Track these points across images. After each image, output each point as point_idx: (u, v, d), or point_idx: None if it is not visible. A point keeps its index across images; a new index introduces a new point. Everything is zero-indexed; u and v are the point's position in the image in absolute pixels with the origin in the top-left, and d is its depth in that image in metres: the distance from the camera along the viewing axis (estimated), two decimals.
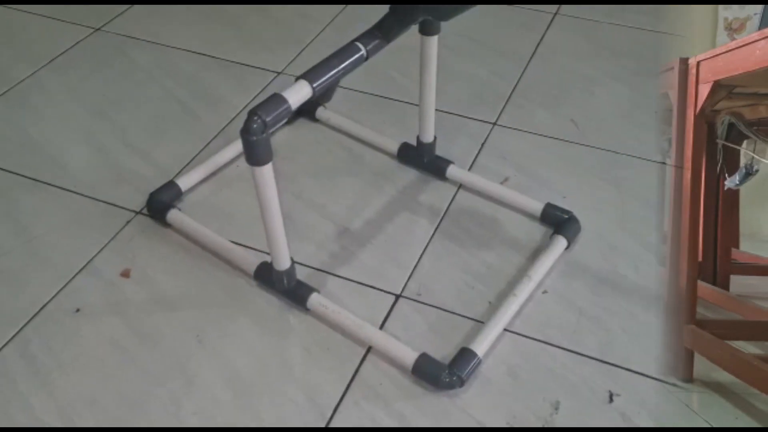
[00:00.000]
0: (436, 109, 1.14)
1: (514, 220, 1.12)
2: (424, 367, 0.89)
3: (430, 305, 1.00)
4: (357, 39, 0.90)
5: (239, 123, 1.31)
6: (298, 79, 0.84)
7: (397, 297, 1.01)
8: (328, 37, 1.53)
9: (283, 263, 0.96)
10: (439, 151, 1.21)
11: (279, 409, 0.87)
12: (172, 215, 1.10)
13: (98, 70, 1.43)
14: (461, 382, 0.89)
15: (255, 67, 1.44)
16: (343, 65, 0.87)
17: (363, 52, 0.89)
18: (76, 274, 1.03)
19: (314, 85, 0.84)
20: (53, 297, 1.00)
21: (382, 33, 0.90)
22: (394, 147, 1.22)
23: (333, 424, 0.86)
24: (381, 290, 1.02)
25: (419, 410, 0.87)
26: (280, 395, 0.89)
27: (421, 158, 1.19)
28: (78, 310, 0.99)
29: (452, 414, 0.87)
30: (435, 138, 1.18)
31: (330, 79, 0.86)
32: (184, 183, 1.15)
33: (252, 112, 0.80)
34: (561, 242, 1.05)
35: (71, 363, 0.92)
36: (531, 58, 1.47)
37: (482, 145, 1.26)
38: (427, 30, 1.02)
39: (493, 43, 1.50)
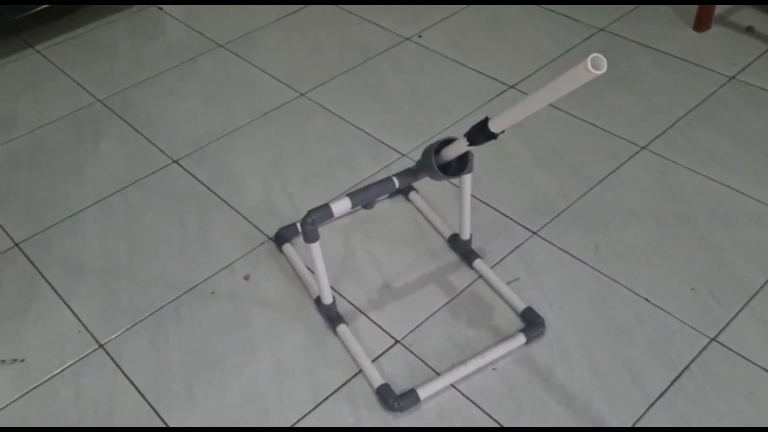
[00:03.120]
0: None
1: (503, 312, 1.53)
2: (382, 391, 1.38)
3: (414, 354, 1.47)
4: (395, 175, 1.39)
5: (360, 185, 1.85)
6: (345, 195, 1.36)
7: (396, 342, 1.50)
8: (455, 130, 2.00)
9: (326, 300, 1.49)
10: (480, 244, 1.65)
11: (292, 387, 1.43)
12: (286, 247, 1.69)
13: (287, 130, 2.07)
14: (401, 410, 1.36)
15: (387, 145, 1.98)
16: (378, 191, 1.37)
17: (396, 184, 1.38)
18: (221, 269, 1.67)
19: (354, 202, 1.35)
20: (203, 280, 1.65)
21: (412, 174, 1.38)
22: (447, 234, 1.69)
23: (319, 409, 1.39)
24: (388, 333, 1.51)
25: (371, 416, 1.37)
26: (299, 379, 1.44)
27: (460, 248, 1.64)
28: (213, 293, 1.62)
29: (390, 426, 1.35)
30: (471, 236, 1.61)
31: (366, 200, 1.37)
32: None
33: (308, 213, 1.33)
34: (520, 338, 1.45)
35: (198, 323, 1.56)
36: (598, 183, 1.81)
37: (515, 248, 1.67)
38: None
39: (573, 162, 1.86)
